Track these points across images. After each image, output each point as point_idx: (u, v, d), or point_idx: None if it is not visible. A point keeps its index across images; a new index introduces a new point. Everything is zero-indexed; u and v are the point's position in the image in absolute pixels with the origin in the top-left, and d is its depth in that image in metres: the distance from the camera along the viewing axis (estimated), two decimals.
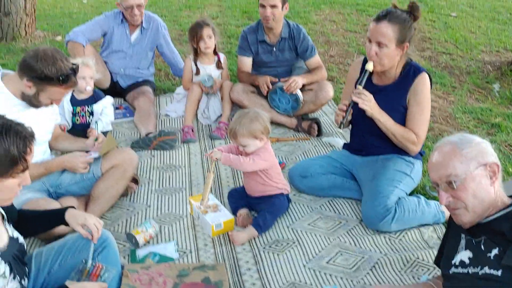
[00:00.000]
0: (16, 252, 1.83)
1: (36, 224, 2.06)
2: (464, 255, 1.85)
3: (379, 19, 2.57)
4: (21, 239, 1.90)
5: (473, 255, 1.81)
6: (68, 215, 2.04)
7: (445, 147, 1.84)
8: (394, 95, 2.72)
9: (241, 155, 2.73)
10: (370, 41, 2.62)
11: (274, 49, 3.93)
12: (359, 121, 2.82)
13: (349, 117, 2.73)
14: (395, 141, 2.74)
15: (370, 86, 2.75)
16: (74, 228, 2.02)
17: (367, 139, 2.86)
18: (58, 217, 2.05)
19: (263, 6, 3.75)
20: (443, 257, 2.00)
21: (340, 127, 2.73)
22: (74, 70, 2.49)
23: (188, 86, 4.03)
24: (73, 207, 2.12)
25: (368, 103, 2.64)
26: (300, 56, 3.96)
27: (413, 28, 2.60)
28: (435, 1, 8.17)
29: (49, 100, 2.55)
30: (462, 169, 1.77)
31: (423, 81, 2.67)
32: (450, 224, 2.02)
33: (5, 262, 1.75)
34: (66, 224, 2.04)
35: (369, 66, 2.65)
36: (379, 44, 2.58)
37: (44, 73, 2.40)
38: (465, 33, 6.57)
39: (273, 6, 3.71)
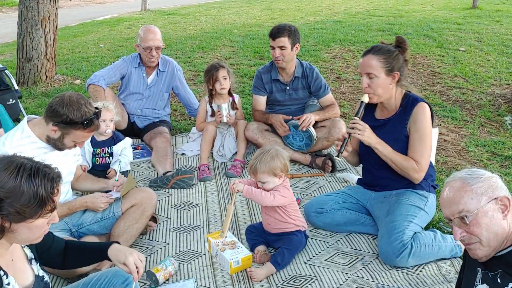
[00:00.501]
0: None
1: (80, 257, 2.12)
2: None
3: (364, 54, 2.78)
4: (46, 277, 1.97)
5: None
6: (111, 251, 2.08)
7: (455, 183, 1.89)
8: (396, 126, 2.82)
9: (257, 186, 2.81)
10: (361, 75, 2.78)
11: (288, 88, 4.05)
12: (366, 154, 2.91)
13: (349, 148, 2.84)
14: (396, 169, 2.81)
15: (372, 121, 2.88)
16: (117, 265, 2.05)
17: (377, 172, 2.93)
18: (102, 252, 2.10)
19: (272, 47, 3.90)
20: None
21: (337, 156, 2.83)
22: (97, 114, 2.62)
23: (202, 127, 4.15)
24: (118, 242, 2.15)
25: (363, 133, 2.75)
26: (313, 95, 4.08)
27: (401, 59, 2.76)
28: (443, 37, 8.34)
29: (73, 143, 2.67)
30: (473, 204, 1.81)
31: (421, 110, 2.77)
32: (466, 257, 2.04)
33: None
34: (109, 259, 2.08)
35: (364, 98, 2.79)
36: (369, 76, 2.74)
37: (69, 118, 2.53)
38: (474, 67, 6.67)
39: (282, 48, 3.85)
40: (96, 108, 2.65)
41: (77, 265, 2.21)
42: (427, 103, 2.82)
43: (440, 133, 4.39)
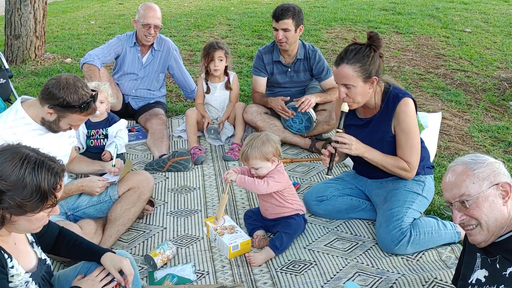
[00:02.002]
0: (44, 273, 1.98)
1: (72, 251, 2.18)
2: (480, 274, 1.97)
3: (337, 63, 2.71)
4: (48, 261, 2.04)
5: (489, 274, 1.93)
6: (105, 258, 2.15)
7: (458, 167, 1.97)
8: (380, 127, 2.83)
9: (252, 175, 2.88)
10: (337, 84, 2.76)
11: (289, 70, 4.10)
12: (355, 158, 2.96)
13: (337, 158, 2.87)
14: (388, 171, 2.87)
15: (355, 120, 2.91)
16: (110, 272, 2.12)
17: (369, 167, 2.96)
18: (94, 255, 2.16)
19: (276, 29, 3.93)
20: (460, 276, 2.11)
21: (327, 174, 2.85)
22: (94, 97, 2.66)
23: (199, 109, 4.19)
24: (113, 252, 2.21)
25: (350, 147, 2.77)
26: (315, 77, 4.13)
27: (377, 60, 2.69)
28: (449, 17, 8.36)
29: (69, 125, 2.72)
30: (474, 189, 1.90)
31: (404, 107, 2.75)
32: (466, 243, 2.14)
33: (35, 283, 1.89)
34: (100, 264, 2.14)
35: (345, 107, 2.77)
36: (346, 86, 2.71)
37: (66, 101, 2.57)
38: (480, 49, 6.73)
39: (285, 30, 3.88)
40: (93, 90, 2.70)
41: (67, 256, 2.28)
42: (409, 95, 2.80)
43: (443, 118, 4.46)
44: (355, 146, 2.79)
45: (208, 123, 4.15)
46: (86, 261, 2.19)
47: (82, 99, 2.59)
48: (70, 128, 2.77)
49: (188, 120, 4.14)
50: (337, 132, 2.80)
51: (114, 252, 2.19)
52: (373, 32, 2.70)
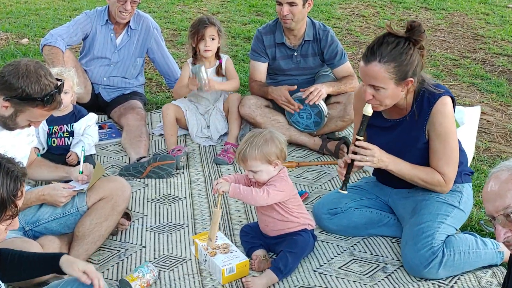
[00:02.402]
0: None
1: (21, 269, 2.19)
2: None
3: (367, 59, 2.67)
4: (2, 286, 2.04)
5: None
6: (65, 259, 2.16)
7: (502, 174, 1.98)
8: (411, 131, 2.83)
9: (249, 182, 2.90)
10: (364, 82, 2.74)
11: (295, 53, 4.11)
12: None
13: (355, 170, 2.87)
14: (420, 186, 2.88)
15: (380, 121, 2.91)
16: (73, 275, 2.15)
17: (393, 176, 2.94)
18: (50, 263, 2.17)
19: (279, 3, 3.94)
20: None
21: (342, 189, 2.86)
22: (59, 88, 2.66)
23: (178, 92, 4.19)
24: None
25: (372, 159, 2.77)
26: (327, 63, 4.14)
27: (416, 58, 2.67)
28: None
29: (28, 122, 2.72)
30: None
31: (442, 109, 2.75)
32: (511, 265, 2.15)
33: None
34: (59, 272, 2.16)
35: (368, 110, 2.77)
36: (374, 88, 2.70)
37: (26, 93, 2.57)
38: None
39: (291, 4, 3.89)
40: (58, 79, 2.70)
41: (18, 278, 2.28)
42: (448, 93, 2.81)
43: (482, 113, 4.47)
44: (378, 158, 2.79)
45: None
46: (42, 275, 2.20)
47: (45, 90, 2.60)
48: (29, 125, 2.78)
49: (165, 117, 4.14)
50: (357, 140, 2.80)
51: None
52: (415, 22, 2.67)
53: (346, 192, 2.88)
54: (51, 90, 2.62)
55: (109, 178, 3.16)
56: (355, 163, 2.80)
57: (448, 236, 2.80)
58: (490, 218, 2.00)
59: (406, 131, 2.86)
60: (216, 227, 2.83)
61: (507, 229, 1.95)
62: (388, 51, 2.64)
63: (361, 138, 2.81)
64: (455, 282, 2.75)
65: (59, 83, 2.69)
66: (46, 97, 2.60)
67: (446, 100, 2.78)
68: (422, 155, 2.85)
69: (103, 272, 2.87)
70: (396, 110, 2.87)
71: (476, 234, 2.89)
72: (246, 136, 2.88)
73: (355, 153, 2.79)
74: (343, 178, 2.85)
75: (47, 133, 3.73)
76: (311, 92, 3.88)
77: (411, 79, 2.70)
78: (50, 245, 2.81)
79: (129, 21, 4.43)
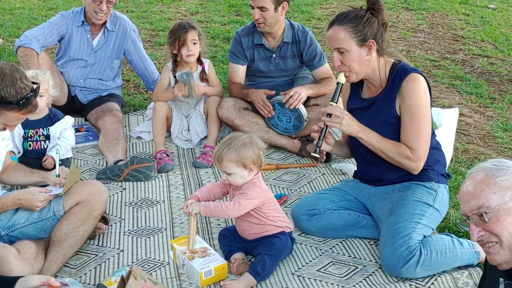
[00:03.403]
0: None
1: None
2: None
3: (328, 26, 2.96)
4: None
5: None
6: (21, 282, 2.18)
7: (477, 175, 2.06)
8: (383, 106, 3.00)
9: (225, 188, 2.99)
10: (331, 51, 2.96)
11: (274, 55, 4.19)
12: (356, 145, 3.07)
13: (330, 140, 3.06)
14: (388, 160, 3.00)
15: (359, 102, 3.09)
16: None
17: (371, 161, 3.10)
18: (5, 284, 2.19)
19: (252, 7, 4.01)
20: None
21: (315, 152, 3.01)
22: (35, 92, 2.69)
23: (159, 98, 4.24)
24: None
25: (341, 120, 2.93)
26: (306, 65, 4.22)
27: (375, 23, 2.90)
28: None
29: (3, 125, 2.74)
30: (495, 200, 1.98)
31: (411, 83, 2.91)
32: (487, 266, 2.23)
33: None
34: None
35: (341, 78, 3.00)
36: (339, 51, 2.91)
37: (1, 96, 2.60)
38: (506, 29, 6.92)
39: (262, 8, 3.95)
40: (34, 83, 2.73)
41: None
42: (421, 74, 2.96)
43: (460, 114, 4.58)
44: (347, 122, 2.94)
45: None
46: None
47: (21, 94, 2.62)
48: (4, 129, 2.80)
49: (156, 115, 4.18)
50: (330, 105, 2.98)
51: None
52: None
53: (317, 156, 3.07)
54: (27, 94, 2.65)
55: (86, 182, 3.19)
56: (330, 125, 2.97)
57: (425, 236, 2.88)
58: (465, 217, 2.08)
59: (380, 107, 3.01)
60: (193, 232, 2.88)
61: (480, 229, 2.03)
62: (345, 16, 2.91)
63: (335, 103, 2.99)
64: (432, 283, 2.82)
65: (34, 86, 2.72)
66: (22, 101, 2.63)
67: (418, 77, 2.93)
68: (394, 132, 2.98)
69: (80, 277, 2.91)
70: (373, 89, 3.05)
71: (453, 235, 2.97)
72: (226, 137, 2.96)
73: (328, 116, 2.96)
74: (316, 143, 3.01)
75: (22, 136, 3.76)
76: (291, 96, 3.95)
77: (372, 40, 2.90)
78: (27, 250, 2.83)
79: (105, 22, 4.46)
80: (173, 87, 4.20)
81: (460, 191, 2.08)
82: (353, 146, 3.18)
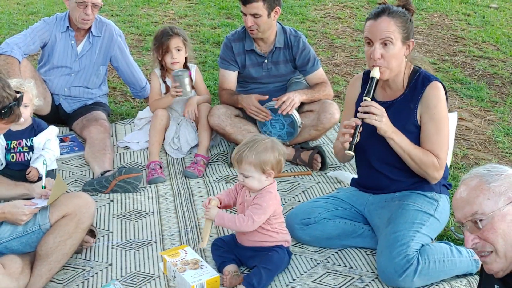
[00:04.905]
0: None
1: None
2: None
3: (377, 15, 3.00)
4: None
5: None
6: None
7: (471, 181, 2.15)
8: (403, 112, 3.09)
9: (233, 196, 3.11)
10: (370, 43, 3.01)
11: (266, 61, 4.29)
12: (365, 145, 3.14)
13: (358, 138, 3.05)
14: (413, 166, 3.07)
15: None
16: None
17: (376, 168, 3.20)
18: None
19: (243, 14, 4.10)
20: None
21: (350, 149, 3.01)
22: (18, 101, 2.77)
23: (158, 106, 4.34)
24: None
25: (381, 118, 2.99)
26: (299, 70, 4.33)
27: (413, 23, 3.04)
28: None
29: None
30: (489, 206, 2.07)
31: (435, 92, 3.04)
32: (482, 273, 2.32)
33: None
34: None
35: (375, 73, 3.01)
36: (384, 43, 2.97)
37: None
38: (509, 30, 7.04)
39: (255, 15, 4.04)
40: (17, 92, 2.81)
41: None
42: (441, 82, 3.10)
43: (460, 118, 4.69)
44: (386, 121, 2.99)
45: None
46: None
47: (3, 103, 2.70)
48: None
49: (156, 123, 4.27)
50: (365, 100, 3.01)
51: None
52: None
53: (353, 154, 3.03)
54: (9, 103, 2.71)
55: (72, 194, 3.27)
56: (368, 120, 2.97)
57: (423, 245, 2.97)
58: (459, 224, 2.17)
59: (398, 112, 3.08)
60: (208, 229, 3.02)
61: (475, 236, 2.12)
62: (394, 10, 3.00)
63: (369, 99, 3.01)
64: None
65: (18, 95, 2.80)
66: (4, 110, 2.70)
67: (440, 85, 3.06)
68: (411, 139, 3.05)
69: None
70: (390, 91, 3.15)
71: (451, 243, 3.07)
72: (248, 138, 3.09)
73: (366, 113, 2.98)
74: (350, 140, 3.00)
75: (5, 148, 3.80)
76: (284, 102, 4.03)
77: (412, 40, 3.03)
78: (12, 265, 2.91)
79: (90, 28, 4.55)
80: (164, 93, 4.30)
81: (453, 197, 2.17)
82: (361, 148, 3.18)
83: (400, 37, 2.98)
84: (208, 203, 3.07)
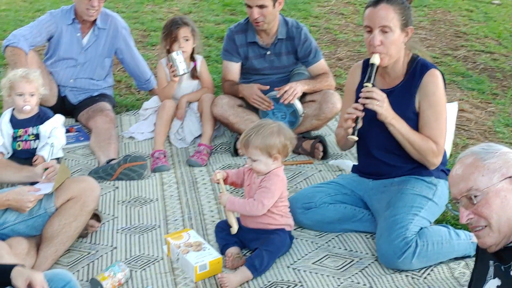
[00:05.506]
0: None
1: None
2: (492, 284, 2.20)
3: (376, 2, 3.04)
4: None
5: (501, 283, 2.16)
6: (14, 273, 2.29)
7: (467, 158, 2.21)
8: (402, 100, 3.13)
9: (248, 174, 3.19)
10: (369, 30, 3.06)
11: (268, 52, 4.34)
12: (365, 132, 3.18)
13: (361, 123, 3.10)
14: (412, 152, 3.13)
15: None
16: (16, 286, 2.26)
17: (376, 155, 3.26)
18: (1, 275, 2.29)
19: (249, 6, 4.15)
20: None
21: (353, 134, 3.06)
22: None
23: (164, 94, 4.42)
24: (23, 265, 2.39)
25: (382, 104, 3.03)
26: (301, 61, 4.38)
27: (411, 10, 3.09)
28: None
29: None
30: (484, 182, 2.13)
31: (433, 79, 3.09)
32: (478, 252, 2.38)
33: None
34: (10, 284, 2.28)
35: (375, 59, 3.05)
36: (383, 30, 3.02)
37: None
38: (511, 25, 7.09)
39: (261, 6, 4.09)
40: None
41: None
42: (439, 70, 3.16)
43: (462, 110, 4.74)
44: (387, 105, 3.04)
45: None
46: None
47: None
48: None
49: (163, 113, 4.34)
50: (366, 86, 3.06)
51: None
52: None
53: (356, 138, 3.08)
54: None
55: (77, 178, 3.33)
56: (369, 105, 3.01)
57: (422, 228, 3.03)
58: (455, 201, 2.23)
59: (397, 99, 3.12)
60: (230, 214, 3.09)
61: (469, 211, 2.18)
62: None
63: (370, 85, 3.06)
64: (428, 274, 2.97)
65: None
66: None
67: (438, 73, 3.11)
68: (412, 126, 3.10)
69: (73, 274, 3.03)
70: (389, 79, 3.19)
71: (449, 226, 3.12)
72: (255, 123, 3.17)
73: (367, 98, 3.02)
74: (352, 126, 3.05)
75: (12, 136, 3.88)
76: (286, 91, 4.09)
77: (411, 28, 3.07)
78: (18, 246, 2.98)
79: (95, 20, 4.61)
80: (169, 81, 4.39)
81: (449, 175, 2.23)
82: (362, 132, 3.18)
83: (399, 24, 3.02)
84: (215, 178, 3.16)
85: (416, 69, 3.14)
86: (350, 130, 3.06)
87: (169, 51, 4.30)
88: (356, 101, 3.12)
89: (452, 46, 6.44)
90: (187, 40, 4.29)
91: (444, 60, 5.99)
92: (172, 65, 4.23)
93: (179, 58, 4.20)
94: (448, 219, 3.36)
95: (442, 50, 6.31)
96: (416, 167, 3.22)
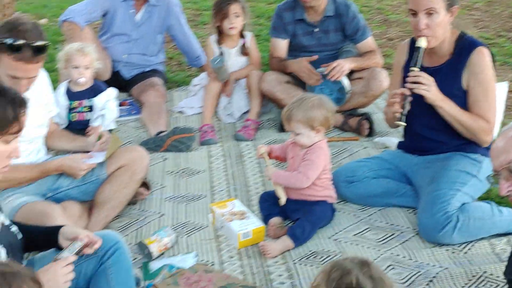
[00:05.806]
0: (11, 241, 2.24)
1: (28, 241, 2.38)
2: None
3: None
4: (14, 228, 2.30)
5: None
6: (63, 230, 2.38)
7: (509, 131, 2.22)
8: (449, 78, 3.13)
9: (291, 147, 3.26)
10: (414, 14, 3.05)
11: (316, 30, 4.38)
12: (414, 112, 3.20)
13: (408, 107, 3.12)
14: (463, 131, 3.14)
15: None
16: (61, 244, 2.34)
17: (422, 133, 3.27)
18: (52, 233, 2.37)
19: None
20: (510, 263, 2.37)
21: (400, 120, 3.10)
22: (40, 48, 2.80)
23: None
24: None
25: (429, 88, 3.05)
26: (349, 39, 4.41)
27: None
28: None
29: (8, 76, 2.82)
30: None
31: (481, 56, 3.08)
32: None
33: (2, 245, 2.15)
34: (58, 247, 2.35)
35: (422, 43, 3.06)
36: (429, 13, 3.01)
37: None
38: None
39: None
40: (45, 42, 2.83)
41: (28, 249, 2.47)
42: (487, 47, 3.15)
43: (511, 90, 4.67)
44: (434, 90, 3.05)
45: None
46: (47, 248, 2.42)
47: (14, 38, 2.70)
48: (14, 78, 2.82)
49: (209, 88, 4.50)
50: (412, 71, 3.08)
51: None
52: None
53: (404, 124, 3.12)
54: (25, 41, 2.72)
55: (128, 147, 3.48)
56: (417, 90, 3.03)
57: (464, 203, 3.04)
58: (495, 173, 2.25)
59: (445, 77, 3.13)
60: (278, 187, 3.17)
61: (510, 183, 2.19)
62: None
63: (417, 69, 3.08)
64: (469, 249, 2.99)
65: (44, 44, 2.82)
66: (12, 44, 2.70)
67: (485, 51, 3.11)
68: (458, 104, 3.11)
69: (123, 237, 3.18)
70: (436, 57, 3.18)
71: (492, 202, 3.12)
72: (296, 97, 3.23)
73: (414, 83, 3.05)
74: (400, 110, 3.08)
75: (67, 107, 4.03)
76: (334, 68, 4.13)
77: (457, 7, 3.06)
78: (72, 208, 3.15)
79: None
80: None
81: (491, 148, 2.25)
82: (410, 113, 3.19)
83: (444, 4, 3.01)
84: (259, 152, 3.26)
85: (464, 47, 3.14)
86: (398, 115, 3.10)
87: (219, 28, 4.39)
88: (403, 81, 3.14)
89: (507, 27, 6.32)
90: (237, 16, 4.36)
91: (498, 41, 5.90)
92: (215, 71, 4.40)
93: (222, 68, 4.39)
94: (492, 197, 3.35)
95: (496, 31, 6.21)
96: (461, 144, 3.22)
